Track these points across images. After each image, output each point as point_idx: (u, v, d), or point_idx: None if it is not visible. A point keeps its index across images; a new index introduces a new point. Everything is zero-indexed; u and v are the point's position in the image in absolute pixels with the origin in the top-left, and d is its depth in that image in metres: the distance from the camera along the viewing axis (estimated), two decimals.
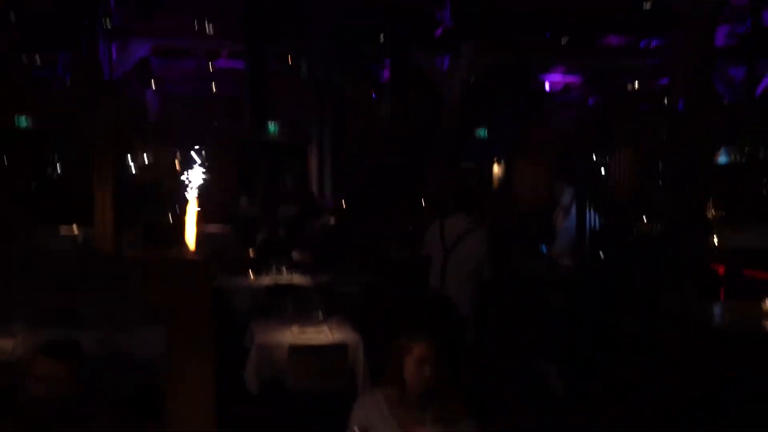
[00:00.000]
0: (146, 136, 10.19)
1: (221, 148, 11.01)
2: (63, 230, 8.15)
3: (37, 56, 8.31)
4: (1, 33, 7.17)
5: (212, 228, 8.78)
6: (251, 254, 7.08)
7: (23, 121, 9.63)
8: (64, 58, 8.95)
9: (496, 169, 12.16)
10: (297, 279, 5.75)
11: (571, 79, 9.49)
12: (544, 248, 5.14)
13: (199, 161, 2.57)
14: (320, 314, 4.18)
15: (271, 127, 10.95)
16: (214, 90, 10.23)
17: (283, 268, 5.97)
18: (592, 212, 4.44)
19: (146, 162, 10.20)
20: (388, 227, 8.16)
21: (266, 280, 5.72)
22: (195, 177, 2.50)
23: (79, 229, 8.17)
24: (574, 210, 4.71)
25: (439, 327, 3.68)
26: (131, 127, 9.18)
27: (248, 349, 3.93)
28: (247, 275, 5.95)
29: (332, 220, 9.25)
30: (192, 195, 2.39)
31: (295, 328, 3.97)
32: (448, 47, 7.36)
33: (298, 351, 3.68)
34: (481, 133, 10.04)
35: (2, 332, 3.68)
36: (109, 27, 6.78)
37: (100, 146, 7.28)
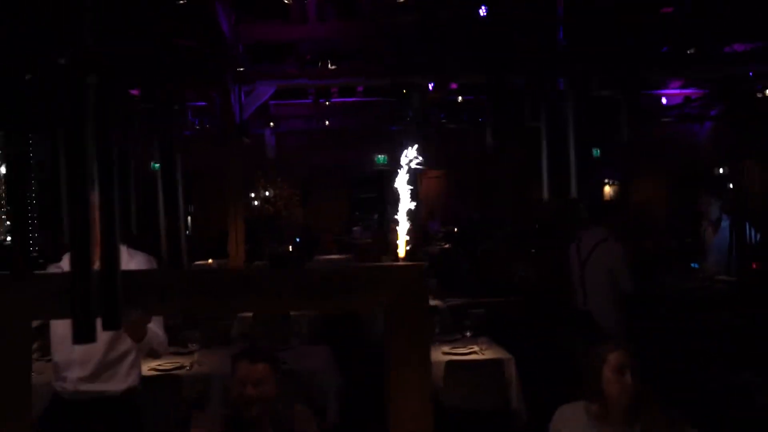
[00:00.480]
0: (266, 172, 10.82)
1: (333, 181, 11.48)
2: (198, 263, 8.78)
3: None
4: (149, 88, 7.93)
5: (333, 257, 9.13)
6: None
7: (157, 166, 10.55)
8: (194, 106, 9.76)
9: (607, 189, 11.81)
10: (430, 301, 5.85)
11: (691, 91, 9.12)
12: (695, 265, 4.93)
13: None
14: (468, 333, 4.24)
15: (380, 158, 11.31)
16: (326, 124, 10.69)
17: None
18: (746, 225, 4.24)
19: (266, 196, 10.79)
20: (505, 249, 8.12)
21: None
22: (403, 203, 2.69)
23: (214, 262, 8.79)
24: (724, 224, 4.52)
25: (587, 341, 3.61)
26: (255, 165, 9.81)
27: None
28: None
29: (446, 245, 9.35)
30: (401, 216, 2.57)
31: (445, 347, 4.05)
32: (562, 68, 7.31)
33: (455, 367, 3.75)
34: (594, 152, 9.85)
35: (182, 352, 4.12)
36: (240, 71, 7.31)
37: (231, 186, 7.83)
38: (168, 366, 3.99)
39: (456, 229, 10.04)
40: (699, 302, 4.10)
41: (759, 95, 7.70)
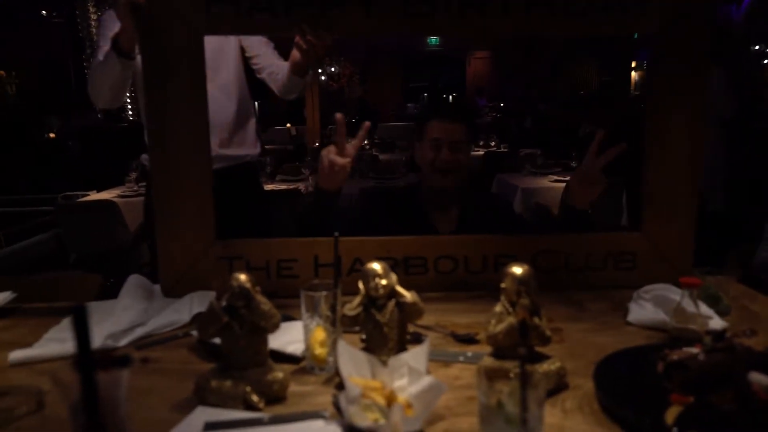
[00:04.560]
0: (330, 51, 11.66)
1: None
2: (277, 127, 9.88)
3: None
4: None
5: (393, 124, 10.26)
6: None
7: None
8: None
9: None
10: None
11: None
12: None
13: None
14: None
15: (432, 39, 12.13)
16: None
17: None
18: None
19: (331, 72, 11.74)
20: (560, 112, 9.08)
21: None
22: None
23: (292, 128, 9.90)
24: None
25: None
26: None
27: None
28: None
29: (497, 115, 10.46)
30: None
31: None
32: None
33: None
34: None
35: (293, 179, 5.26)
36: None
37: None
38: (288, 185, 4.50)
39: (502, 104, 11.10)
40: None
41: None
